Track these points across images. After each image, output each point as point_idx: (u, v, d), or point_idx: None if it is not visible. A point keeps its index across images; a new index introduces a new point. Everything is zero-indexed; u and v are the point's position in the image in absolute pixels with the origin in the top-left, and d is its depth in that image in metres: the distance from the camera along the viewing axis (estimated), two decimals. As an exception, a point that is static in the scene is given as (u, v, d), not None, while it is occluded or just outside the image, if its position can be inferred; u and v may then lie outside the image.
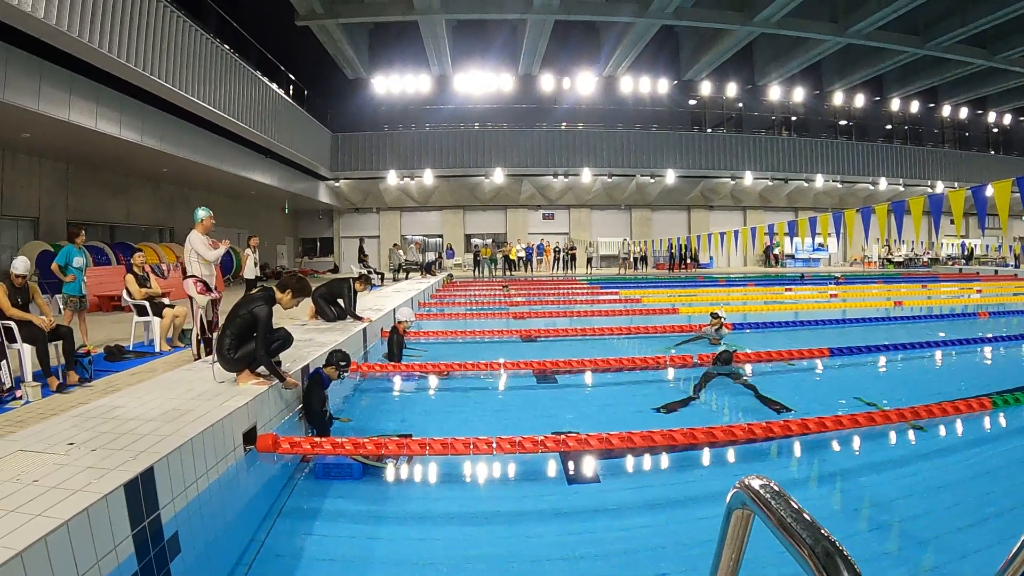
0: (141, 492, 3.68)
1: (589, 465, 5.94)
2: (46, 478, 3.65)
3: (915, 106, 43.89)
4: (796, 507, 1.23)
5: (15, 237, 18.68)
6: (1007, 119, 47.26)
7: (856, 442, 6.51)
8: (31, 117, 14.58)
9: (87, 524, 3.16)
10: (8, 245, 18.18)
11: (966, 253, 44.48)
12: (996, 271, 36.15)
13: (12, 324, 7.52)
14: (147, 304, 10.88)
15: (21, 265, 7.82)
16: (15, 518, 3.08)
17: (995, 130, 48.54)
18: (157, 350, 10.41)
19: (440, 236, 42.26)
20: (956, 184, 39.40)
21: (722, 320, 11.69)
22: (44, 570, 2.85)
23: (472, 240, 41.89)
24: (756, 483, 1.32)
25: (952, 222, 42.12)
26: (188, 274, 8.78)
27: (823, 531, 1.14)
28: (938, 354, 11.45)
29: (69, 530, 3.03)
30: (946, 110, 45.41)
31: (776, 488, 1.29)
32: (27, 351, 7.55)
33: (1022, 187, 8.43)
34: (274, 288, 6.47)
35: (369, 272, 20.05)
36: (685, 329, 12.94)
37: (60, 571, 2.94)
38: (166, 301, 11.20)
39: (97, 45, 13.46)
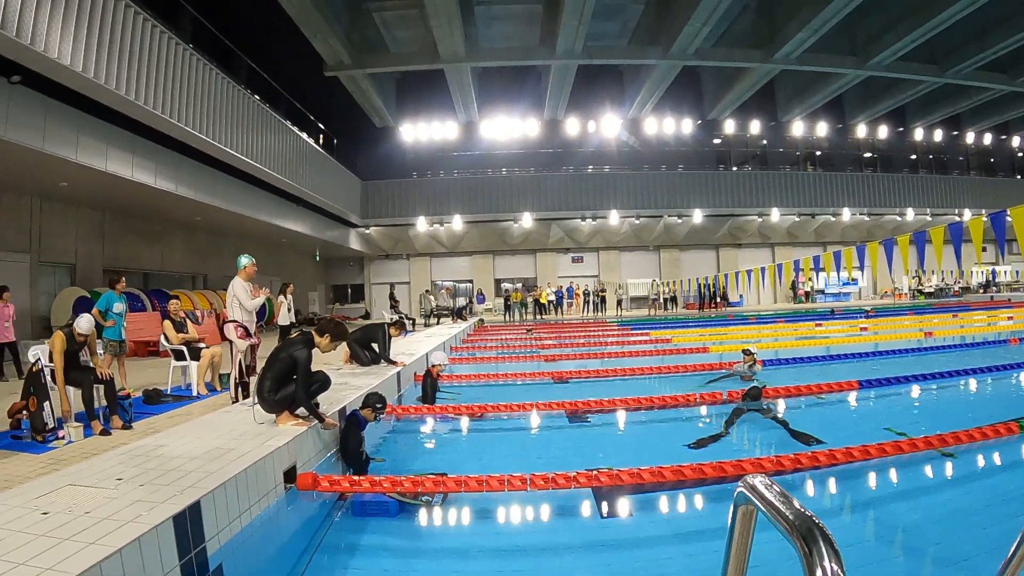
0: (189, 525, 3.85)
1: (621, 500, 5.98)
2: (97, 510, 3.84)
3: (938, 135, 43.68)
4: (787, 497, 1.38)
5: (53, 283, 19.13)
6: (1032, 142, 46.92)
7: (885, 471, 6.48)
8: (69, 167, 15.04)
9: (139, 553, 3.33)
10: (45, 291, 18.61)
11: (985, 280, 44.26)
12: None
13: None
14: (184, 349, 11.13)
15: (86, 325, 8.11)
16: (70, 545, 3.26)
17: (1020, 154, 48.09)
18: (194, 394, 10.62)
19: (470, 281, 42.49)
20: (984, 211, 39.16)
21: (754, 357, 11.71)
22: (99, 595, 3.01)
23: (502, 285, 41.88)
24: (756, 480, 1.47)
25: (984, 250, 41.81)
26: (229, 319, 8.99)
27: (806, 512, 1.30)
28: (969, 382, 11.35)
29: (122, 557, 3.20)
30: (970, 137, 45.26)
31: (773, 484, 1.44)
32: (72, 393, 7.82)
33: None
34: (313, 332, 6.67)
35: (401, 317, 20.27)
36: (716, 367, 12.87)
37: (114, 597, 3.10)
38: (202, 346, 11.44)
39: (134, 97, 13.99)
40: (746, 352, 11.80)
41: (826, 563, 1.19)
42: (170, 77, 15.39)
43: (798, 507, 1.32)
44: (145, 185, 17.49)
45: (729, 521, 1.56)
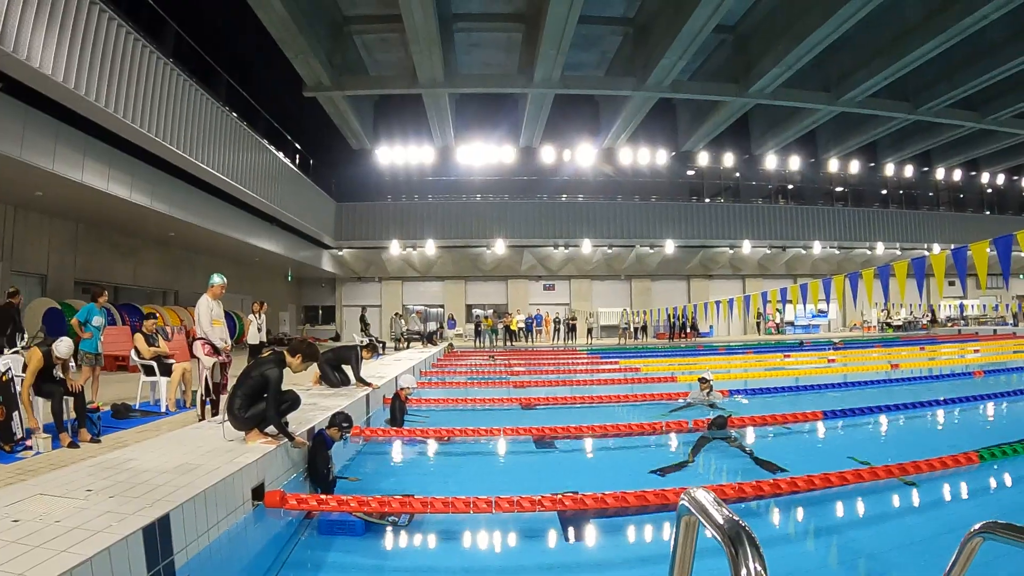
0: (158, 537, 3.90)
1: (585, 523, 6.05)
2: (67, 519, 3.89)
3: (909, 170, 44.55)
4: (721, 505, 1.49)
5: (23, 293, 18.61)
6: (1000, 179, 47.88)
7: (846, 499, 6.61)
8: (46, 176, 14.84)
9: (109, 562, 3.39)
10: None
11: (932, 315, 45.15)
12: (995, 331, 36.33)
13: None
14: (155, 364, 11.10)
15: (65, 350, 8.16)
16: (41, 553, 3.32)
17: (989, 190, 49.19)
18: (163, 409, 10.60)
19: (442, 306, 42.38)
20: (952, 246, 39.67)
21: (711, 385, 11.77)
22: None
23: (473, 310, 41.89)
24: (697, 492, 1.58)
25: (951, 284, 42.60)
26: (198, 336, 9.00)
27: (735, 517, 1.41)
28: (930, 413, 11.64)
29: (92, 566, 3.25)
30: (940, 173, 45.92)
31: (711, 496, 1.55)
32: (40, 404, 7.83)
33: (1000, 247, 8.66)
34: (285, 352, 6.74)
35: (372, 340, 20.26)
36: (683, 396, 12.84)
37: (84, 605, 3.15)
38: (172, 361, 11.41)
39: (112, 109, 13.93)
40: (702, 380, 11.88)
41: (751, 563, 1.30)
42: (150, 91, 15.37)
43: (728, 513, 1.44)
44: (120, 198, 17.29)
45: (673, 532, 1.67)
